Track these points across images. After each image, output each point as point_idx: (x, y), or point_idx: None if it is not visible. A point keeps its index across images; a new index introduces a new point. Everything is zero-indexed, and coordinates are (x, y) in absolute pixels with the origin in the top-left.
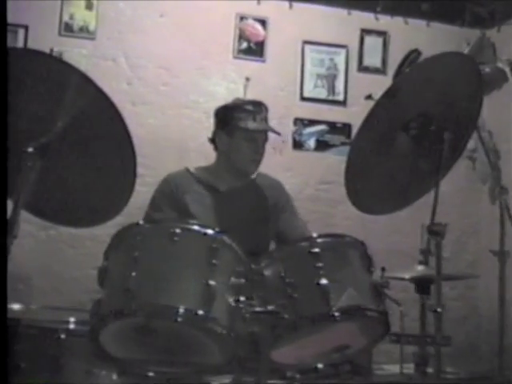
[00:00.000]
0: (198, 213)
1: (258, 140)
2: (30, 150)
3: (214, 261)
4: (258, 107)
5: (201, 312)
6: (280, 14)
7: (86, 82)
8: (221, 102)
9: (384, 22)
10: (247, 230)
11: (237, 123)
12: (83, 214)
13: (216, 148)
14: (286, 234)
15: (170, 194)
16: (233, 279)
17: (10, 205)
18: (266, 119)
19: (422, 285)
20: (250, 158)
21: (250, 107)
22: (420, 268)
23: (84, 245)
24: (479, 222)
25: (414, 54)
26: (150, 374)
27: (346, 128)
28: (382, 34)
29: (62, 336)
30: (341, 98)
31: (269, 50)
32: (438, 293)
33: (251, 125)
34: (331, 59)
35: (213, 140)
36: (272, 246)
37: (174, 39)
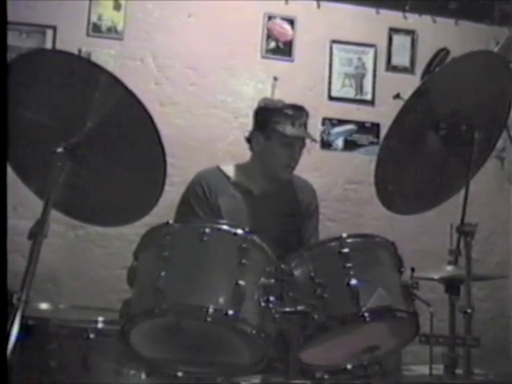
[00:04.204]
0: (230, 216)
1: (294, 146)
2: (60, 150)
3: (243, 261)
4: (298, 112)
5: (231, 312)
6: (308, 13)
7: (114, 83)
8: (249, 102)
9: (412, 20)
10: (279, 235)
11: (274, 127)
12: (112, 213)
13: (251, 148)
14: (301, 241)
15: (203, 197)
16: (262, 279)
17: (40, 204)
18: (305, 125)
19: (452, 285)
20: (284, 163)
21: (289, 111)
22: (449, 268)
23: (112, 244)
24: (508, 221)
25: (443, 52)
26: (179, 373)
27: (374, 127)
28: (410, 32)
29: (91, 335)
30: (369, 97)
31: (297, 49)
32: (467, 293)
33: (289, 130)
34: (359, 58)
35: (249, 140)
36: None
37: (201, 39)
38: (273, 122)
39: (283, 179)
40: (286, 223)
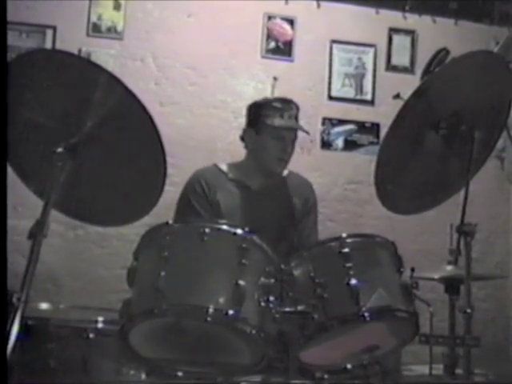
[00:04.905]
0: (229, 212)
1: (285, 138)
2: (60, 150)
3: (243, 261)
4: (287, 105)
5: (231, 312)
6: (308, 13)
7: (114, 82)
8: (249, 102)
9: (412, 20)
10: (277, 230)
11: (264, 120)
12: (112, 213)
13: (246, 146)
14: (300, 238)
15: (202, 193)
16: (262, 279)
17: (40, 204)
18: (295, 117)
19: (452, 285)
20: (276, 156)
21: (277, 104)
22: (449, 268)
23: (112, 244)
24: (508, 221)
25: (443, 52)
26: (179, 373)
27: (374, 127)
28: (410, 32)
29: (91, 335)
30: (369, 97)
31: (297, 49)
32: (467, 293)
33: (277, 122)
34: (359, 58)
35: (243, 138)
36: None
37: (201, 39)
38: (262, 117)
39: (277, 173)
40: (284, 218)
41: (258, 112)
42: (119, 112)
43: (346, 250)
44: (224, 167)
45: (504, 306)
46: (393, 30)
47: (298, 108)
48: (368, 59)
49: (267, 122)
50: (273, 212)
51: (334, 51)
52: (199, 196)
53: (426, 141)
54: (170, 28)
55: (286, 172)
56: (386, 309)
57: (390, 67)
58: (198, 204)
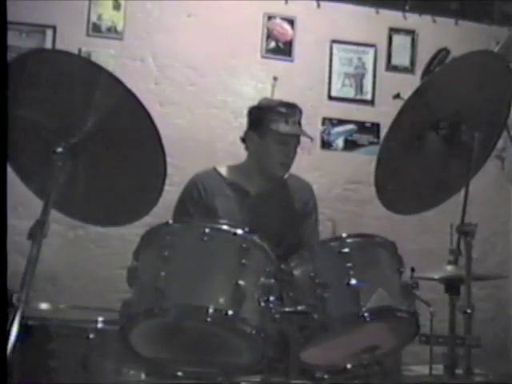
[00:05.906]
0: (227, 217)
1: (289, 143)
2: (60, 150)
3: (243, 261)
4: (292, 110)
5: (230, 312)
6: (308, 13)
7: (114, 82)
8: (249, 102)
9: (412, 20)
10: (277, 234)
11: (268, 125)
12: (112, 213)
13: (247, 148)
14: (301, 240)
15: (199, 199)
16: (262, 279)
17: (40, 204)
18: (299, 122)
19: (452, 285)
20: (279, 161)
21: (283, 109)
22: (449, 268)
23: (112, 244)
24: (508, 221)
25: (443, 52)
26: (179, 373)
27: (374, 127)
28: (410, 32)
29: (91, 336)
30: (369, 97)
31: (297, 49)
32: (468, 293)
33: (283, 128)
34: (359, 58)
35: (244, 140)
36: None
37: (201, 39)
38: (267, 121)
39: (279, 177)
40: (284, 223)
41: (261, 116)
42: (119, 112)
43: (346, 250)
44: (223, 170)
45: (504, 305)
46: (393, 30)
47: (301, 112)
48: (368, 59)
49: (272, 127)
50: (272, 216)
51: (334, 51)
52: (195, 202)
53: (426, 141)
54: (170, 28)
55: (286, 174)
56: (386, 309)
57: (390, 67)
58: (194, 209)
